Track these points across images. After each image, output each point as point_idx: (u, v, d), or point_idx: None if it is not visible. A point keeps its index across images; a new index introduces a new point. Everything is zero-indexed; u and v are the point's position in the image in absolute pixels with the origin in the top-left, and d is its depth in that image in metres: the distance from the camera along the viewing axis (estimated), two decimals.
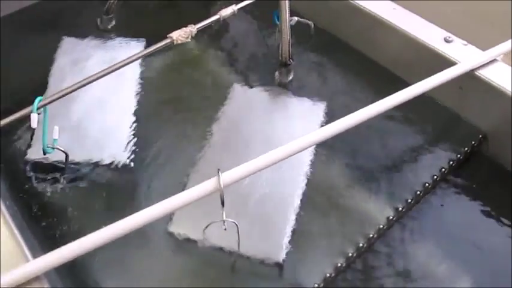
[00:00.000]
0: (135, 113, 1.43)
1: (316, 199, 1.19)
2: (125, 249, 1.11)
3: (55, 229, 1.18)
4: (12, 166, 1.32)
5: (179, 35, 1.21)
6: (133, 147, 1.35)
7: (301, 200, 1.19)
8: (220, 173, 0.91)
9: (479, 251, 1.10)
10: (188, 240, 1.15)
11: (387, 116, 1.30)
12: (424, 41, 1.27)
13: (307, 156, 1.29)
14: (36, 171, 1.27)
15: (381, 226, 1.10)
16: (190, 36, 1.22)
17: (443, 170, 1.18)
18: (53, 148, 1.13)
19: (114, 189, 1.28)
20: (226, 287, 1.08)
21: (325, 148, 1.31)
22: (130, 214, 0.92)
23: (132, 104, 1.46)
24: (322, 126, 1.35)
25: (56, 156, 1.27)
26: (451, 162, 1.19)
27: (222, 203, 0.91)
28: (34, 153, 1.31)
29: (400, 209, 1.12)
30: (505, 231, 1.13)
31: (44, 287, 0.83)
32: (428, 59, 1.28)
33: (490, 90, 1.19)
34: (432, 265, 1.08)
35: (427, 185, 1.15)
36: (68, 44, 1.62)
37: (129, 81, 1.52)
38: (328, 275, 1.05)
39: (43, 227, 1.18)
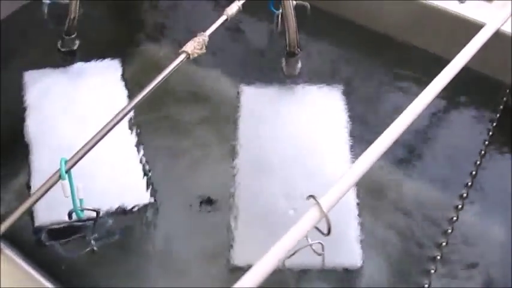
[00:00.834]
0: (142, 139, 1.26)
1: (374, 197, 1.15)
2: None
3: None
4: (19, 239, 1.11)
5: (194, 48, 1.05)
6: (152, 183, 1.19)
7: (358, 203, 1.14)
8: (317, 199, 0.81)
9: None
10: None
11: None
12: (438, 4, 1.23)
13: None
14: (56, 237, 1.08)
15: (454, 218, 1.07)
16: (204, 46, 1.07)
17: (490, 133, 1.17)
18: (83, 210, 0.94)
19: (153, 231, 1.14)
20: None
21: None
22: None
23: (134, 134, 1.28)
24: (346, 109, 1.31)
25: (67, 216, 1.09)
26: (493, 123, 1.19)
27: (329, 231, 0.81)
28: (45, 218, 1.11)
29: (465, 194, 1.10)
30: None
31: None
32: (444, 22, 1.24)
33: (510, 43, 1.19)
34: None
35: (482, 152, 1.13)
36: (32, 77, 1.37)
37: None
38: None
39: None
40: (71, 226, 1.09)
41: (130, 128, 1.27)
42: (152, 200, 1.17)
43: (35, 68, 1.37)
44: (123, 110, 0.95)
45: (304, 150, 1.24)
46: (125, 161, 1.24)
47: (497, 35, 1.20)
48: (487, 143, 1.15)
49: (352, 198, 1.14)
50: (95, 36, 1.48)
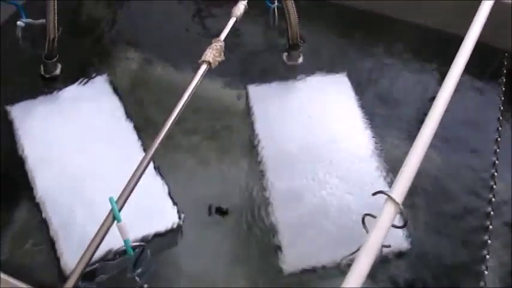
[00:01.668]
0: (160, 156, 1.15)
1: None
2: None
3: None
4: None
5: (213, 56, 0.98)
6: (177, 203, 1.13)
7: None
8: (390, 194, 0.79)
9: None
10: (308, 270, 1.04)
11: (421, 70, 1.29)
12: None
13: None
14: (91, 279, 0.99)
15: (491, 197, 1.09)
16: (222, 53, 1.01)
17: (501, 107, 1.21)
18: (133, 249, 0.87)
19: (190, 250, 1.08)
20: None
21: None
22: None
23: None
24: (355, 95, 1.30)
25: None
26: (501, 96, 1.22)
27: (405, 223, 0.80)
28: (70, 263, 1.02)
29: (494, 172, 1.13)
30: None
31: None
32: None
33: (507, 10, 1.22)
34: None
35: (498, 128, 1.16)
36: (19, 111, 1.24)
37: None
38: None
39: None
40: (102, 267, 1.02)
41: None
42: (180, 220, 1.11)
43: (19, 100, 1.25)
44: (157, 137, 0.87)
45: (325, 137, 1.23)
46: (145, 184, 1.17)
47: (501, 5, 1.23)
48: (501, 108, 1.19)
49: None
50: (74, 55, 1.37)
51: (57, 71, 1.31)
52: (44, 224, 1.08)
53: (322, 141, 1.22)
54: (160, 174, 1.17)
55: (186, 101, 0.92)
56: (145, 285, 0.98)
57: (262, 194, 1.15)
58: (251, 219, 1.12)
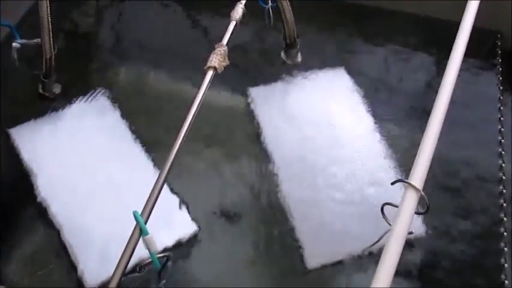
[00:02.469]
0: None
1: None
2: None
3: None
4: None
5: (218, 61, 0.99)
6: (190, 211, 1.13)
7: None
8: (408, 181, 0.80)
9: None
10: (330, 265, 1.05)
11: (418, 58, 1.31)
12: None
13: None
14: None
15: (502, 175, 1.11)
16: (226, 57, 1.01)
17: (500, 86, 1.23)
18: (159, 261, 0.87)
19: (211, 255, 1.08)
20: None
21: None
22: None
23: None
24: (356, 87, 1.32)
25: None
26: (499, 76, 1.25)
27: (427, 209, 0.81)
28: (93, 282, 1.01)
29: (501, 151, 1.15)
30: None
31: None
32: None
33: None
34: None
35: (500, 107, 1.18)
36: (20, 134, 1.23)
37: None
38: None
39: None
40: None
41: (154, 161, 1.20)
42: (197, 227, 1.11)
43: (19, 122, 1.24)
44: (173, 148, 0.87)
45: (332, 133, 1.24)
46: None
47: None
48: (501, 87, 1.21)
49: None
50: (72, 72, 1.36)
51: (57, 90, 1.30)
52: (62, 247, 1.07)
53: (330, 137, 1.22)
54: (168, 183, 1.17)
55: (197, 108, 0.93)
56: None
57: (276, 195, 1.15)
58: (267, 220, 1.12)
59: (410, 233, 0.97)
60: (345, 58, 1.37)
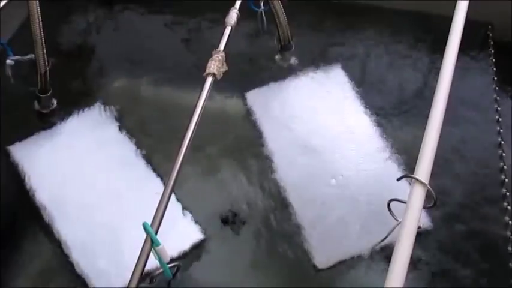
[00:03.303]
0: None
1: None
2: None
3: None
4: None
5: (217, 67, 0.99)
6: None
7: None
8: (414, 176, 0.81)
9: None
10: (339, 263, 1.06)
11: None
12: None
13: None
14: None
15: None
16: (224, 63, 1.01)
17: (494, 77, 1.25)
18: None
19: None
20: None
21: None
22: None
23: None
24: (353, 84, 1.33)
25: None
26: (493, 67, 1.27)
27: (435, 203, 0.82)
28: None
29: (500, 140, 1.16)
30: None
31: None
32: None
33: None
34: None
35: (496, 98, 1.20)
36: (19, 150, 1.21)
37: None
38: None
39: None
40: None
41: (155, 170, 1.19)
42: (202, 233, 1.11)
43: (17, 139, 1.22)
44: (178, 157, 0.87)
45: (331, 131, 1.25)
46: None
47: None
48: (495, 78, 1.23)
49: None
50: (67, 86, 1.35)
51: (53, 105, 1.29)
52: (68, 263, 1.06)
53: (329, 135, 1.24)
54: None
55: (199, 116, 0.92)
56: None
57: (279, 197, 1.15)
58: (271, 223, 1.12)
59: (419, 227, 0.98)
60: (340, 56, 1.38)
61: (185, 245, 1.09)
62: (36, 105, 1.28)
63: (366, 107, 1.28)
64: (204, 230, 1.11)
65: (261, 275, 1.04)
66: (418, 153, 1.31)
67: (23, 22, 1.40)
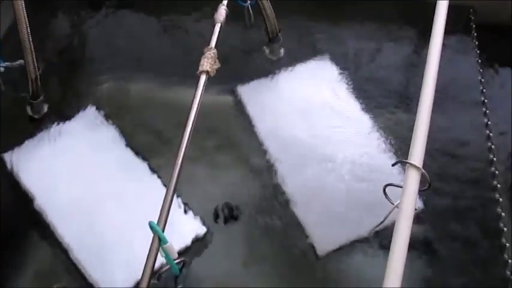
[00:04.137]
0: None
1: None
2: None
3: None
4: None
5: (209, 64, 1.00)
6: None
7: None
8: (408, 161, 0.84)
9: None
10: (339, 249, 1.09)
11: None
12: None
13: None
14: None
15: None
16: (217, 60, 1.03)
17: (478, 59, 1.29)
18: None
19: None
20: None
21: None
22: None
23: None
24: (341, 73, 1.35)
25: None
26: (476, 50, 1.30)
27: (429, 186, 0.85)
28: None
29: (488, 133, 1.19)
30: None
31: None
32: None
33: None
34: None
35: (481, 80, 1.23)
36: (15, 157, 1.21)
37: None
38: None
39: None
40: None
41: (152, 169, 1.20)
42: (204, 227, 1.13)
43: (12, 146, 1.22)
44: (178, 155, 0.88)
45: (323, 121, 1.27)
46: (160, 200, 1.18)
47: None
48: (479, 60, 1.26)
49: None
50: (58, 90, 1.35)
51: (45, 110, 1.29)
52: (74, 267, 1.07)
53: (322, 124, 1.26)
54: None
55: (195, 113, 0.94)
56: None
57: (276, 189, 1.18)
58: (270, 214, 1.15)
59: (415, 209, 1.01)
60: (328, 46, 1.39)
61: (187, 240, 1.11)
62: (29, 111, 1.28)
63: (356, 96, 1.30)
64: (204, 224, 1.13)
65: (263, 265, 1.07)
66: (410, 138, 1.35)
67: (10, 27, 1.38)
